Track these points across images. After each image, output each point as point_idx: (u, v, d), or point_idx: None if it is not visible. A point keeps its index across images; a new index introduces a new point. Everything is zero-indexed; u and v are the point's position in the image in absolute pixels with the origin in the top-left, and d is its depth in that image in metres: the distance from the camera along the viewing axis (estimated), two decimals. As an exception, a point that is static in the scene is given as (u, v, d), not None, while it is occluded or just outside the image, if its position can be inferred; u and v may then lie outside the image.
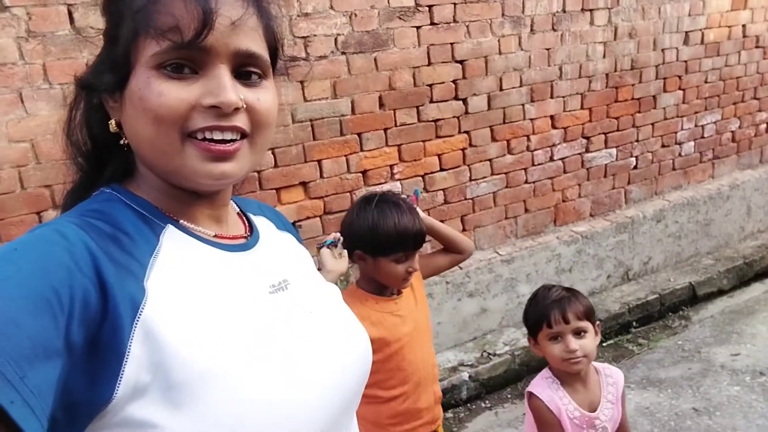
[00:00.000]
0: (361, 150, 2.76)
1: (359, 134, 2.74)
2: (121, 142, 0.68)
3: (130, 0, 0.61)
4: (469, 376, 2.96)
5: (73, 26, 2.04)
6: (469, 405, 2.93)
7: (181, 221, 0.69)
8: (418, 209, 1.72)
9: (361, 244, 1.64)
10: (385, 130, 2.80)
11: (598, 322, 1.62)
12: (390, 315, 1.66)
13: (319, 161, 2.67)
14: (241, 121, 0.64)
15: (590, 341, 1.56)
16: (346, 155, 2.73)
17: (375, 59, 2.68)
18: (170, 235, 0.66)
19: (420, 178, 2.95)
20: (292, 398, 0.63)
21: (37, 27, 1.99)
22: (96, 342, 0.54)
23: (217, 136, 0.62)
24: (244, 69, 0.64)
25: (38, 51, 2.01)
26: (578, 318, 1.54)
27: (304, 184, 2.66)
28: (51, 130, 2.02)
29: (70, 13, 2.03)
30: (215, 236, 0.71)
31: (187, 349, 0.57)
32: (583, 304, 1.57)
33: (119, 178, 0.71)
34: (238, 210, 0.82)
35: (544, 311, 1.58)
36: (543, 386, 1.60)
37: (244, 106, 0.63)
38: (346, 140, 2.71)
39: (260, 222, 0.83)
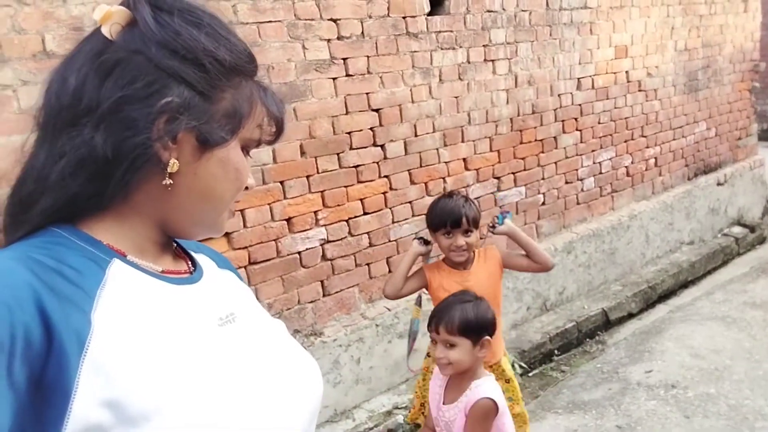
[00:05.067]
0: (285, 198, 2.78)
1: (282, 182, 2.76)
2: (165, 182, 0.67)
3: (250, 83, 0.72)
4: (404, 419, 2.96)
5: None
6: (406, 447, 2.93)
7: (129, 256, 0.69)
8: (508, 221, 2.29)
9: (427, 222, 2.27)
10: (308, 177, 2.85)
11: (486, 338, 1.79)
12: (454, 282, 2.18)
13: (242, 210, 2.66)
14: None
15: (457, 353, 1.77)
16: (269, 203, 2.74)
17: (294, 109, 2.74)
18: (116, 269, 0.66)
19: (344, 222, 3.00)
20: None
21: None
22: (41, 380, 0.53)
23: None
24: None
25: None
26: (448, 332, 1.77)
27: (227, 234, 2.63)
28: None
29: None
30: (162, 271, 0.72)
31: (139, 384, 0.57)
32: (460, 319, 1.77)
33: (62, 216, 0.68)
34: (175, 246, 0.83)
35: (431, 318, 1.87)
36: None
37: None
38: (268, 189, 2.72)
39: (201, 258, 0.84)
